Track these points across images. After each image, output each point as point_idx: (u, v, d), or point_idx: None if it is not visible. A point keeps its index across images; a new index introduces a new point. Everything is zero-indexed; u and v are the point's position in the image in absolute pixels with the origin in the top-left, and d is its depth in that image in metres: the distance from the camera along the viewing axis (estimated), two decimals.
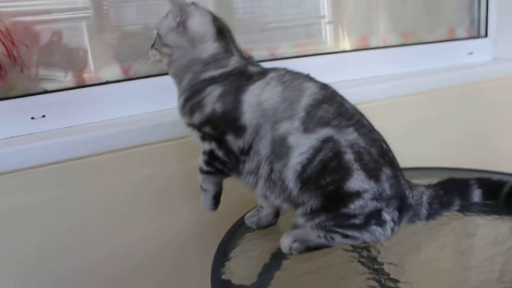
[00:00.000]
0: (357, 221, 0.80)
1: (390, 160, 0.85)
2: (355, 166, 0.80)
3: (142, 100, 1.22)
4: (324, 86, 0.87)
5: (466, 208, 0.95)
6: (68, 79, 1.19)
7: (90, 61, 1.23)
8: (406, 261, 0.80)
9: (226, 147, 0.85)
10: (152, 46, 0.95)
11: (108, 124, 1.14)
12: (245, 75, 0.87)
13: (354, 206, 0.79)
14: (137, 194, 1.12)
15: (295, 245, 0.83)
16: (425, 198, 0.88)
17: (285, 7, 1.48)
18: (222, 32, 0.91)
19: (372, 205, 0.80)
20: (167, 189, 1.15)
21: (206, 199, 0.92)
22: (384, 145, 0.86)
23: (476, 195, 0.96)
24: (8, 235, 1.00)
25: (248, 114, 0.83)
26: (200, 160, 0.90)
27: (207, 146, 0.88)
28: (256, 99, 0.83)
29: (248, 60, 0.91)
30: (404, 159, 1.39)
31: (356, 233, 0.81)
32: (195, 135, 0.90)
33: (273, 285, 0.77)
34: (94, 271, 1.09)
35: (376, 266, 0.78)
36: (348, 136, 0.81)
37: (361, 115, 0.88)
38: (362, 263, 0.79)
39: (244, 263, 0.84)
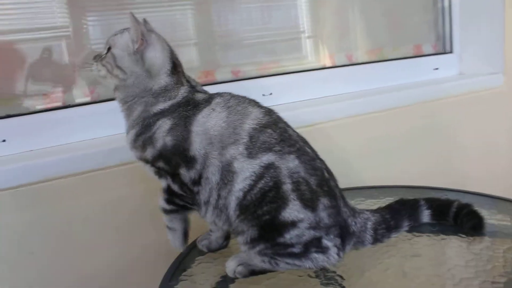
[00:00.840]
0: (295, 250, 0.81)
1: (330, 189, 0.86)
2: (292, 196, 0.80)
3: (105, 123, 1.23)
4: (269, 112, 0.88)
5: (416, 228, 0.97)
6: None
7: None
8: (348, 285, 0.81)
9: (180, 180, 0.86)
10: (98, 59, 0.91)
11: (70, 148, 1.15)
12: (192, 103, 0.87)
13: (290, 236, 0.80)
14: (101, 216, 1.13)
15: (240, 268, 0.84)
16: (369, 225, 0.90)
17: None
18: (175, 66, 0.91)
19: (310, 234, 0.81)
20: (131, 211, 1.15)
21: (175, 238, 0.93)
22: (326, 173, 0.87)
23: (426, 215, 0.98)
24: None
25: (197, 144, 0.84)
26: (160, 201, 0.91)
27: (163, 182, 0.89)
28: (203, 127, 0.84)
29: (195, 88, 0.92)
30: (368, 177, 1.43)
31: (296, 261, 0.82)
32: (148, 170, 0.90)
33: None
34: None
35: None
36: (290, 164, 0.82)
37: (304, 142, 0.89)
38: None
39: (190, 287, 0.85)
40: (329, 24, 1.64)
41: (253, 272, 0.84)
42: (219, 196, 0.84)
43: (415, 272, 0.83)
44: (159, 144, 0.85)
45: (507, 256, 0.85)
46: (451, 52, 1.81)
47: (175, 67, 0.91)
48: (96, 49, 1.27)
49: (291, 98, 1.47)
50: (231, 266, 0.85)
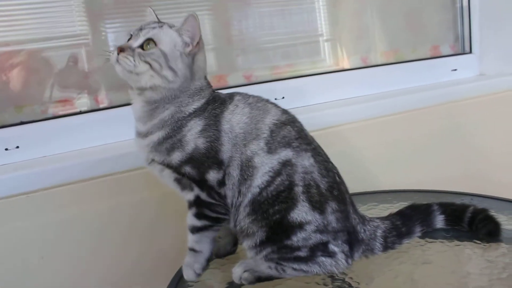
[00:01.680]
0: (301, 253, 0.80)
1: (341, 194, 0.85)
2: (302, 197, 0.80)
3: (115, 129, 1.23)
4: (286, 111, 0.88)
5: (429, 234, 0.94)
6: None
7: None
8: None
9: (207, 186, 0.82)
10: (132, 52, 0.82)
11: (82, 153, 1.17)
12: (218, 100, 0.86)
13: (297, 238, 0.79)
14: (109, 222, 1.13)
15: (246, 275, 0.83)
16: (379, 232, 0.88)
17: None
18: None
19: (316, 237, 0.80)
20: (138, 217, 1.15)
21: (197, 262, 0.85)
22: (337, 177, 0.86)
23: (439, 220, 0.95)
24: None
25: (226, 144, 0.82)
26: (189, 218, 0.85)
27: (189, 195, 0.84)
28: (229, 124, 0.83)
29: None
30: (385, 182, 1.40)
31: (303, 266, 0.81)
32: (166, 176, 0.85)
33: None
34: None
35: None
36: (305, 162, 0.82)
37: (318, 144, 0.88)
38: None
39: None
40: (347, 26, 1.62)
41: (260, 279, 0.83)
42: (239, 193, 0.82)
43: (425, 280, 0.80)
44: (189, 147, 0.81)
45: None
46: (470, 52, 1.76)
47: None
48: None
49: (304, 102, 1.45)
50: (237, 272, 0.83)
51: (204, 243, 0.85)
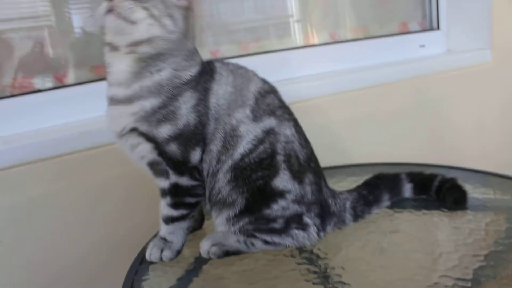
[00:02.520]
0: (276, 225, 0.79)
1: (316, 166, 0.84)
2: (283, 165, 0.79)
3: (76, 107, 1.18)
4: (264, 79, 0.86)
5: (398, 204, 0.95)
6: None
7: None
8: (324, 263, 0.78)
9: (189, 168, 0.78)
10: None
11: (44, 132, 1.12)
12: (207, 70, 0.80)
13: (277, 207, 0.78)
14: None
15: (214, 249, 0.81)
16: (348, 204, 0.88)
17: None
18: None
19: (293, 208, 0.79)
20: (110, 194, 1.11)
21: (169, 253, 0.81)
22: (312, 150, 0.86)
23: (407, 189, 0.96)
24: None
25: (211, 119, 0.78)
26: (164, 208, 0.80)
27: (164, 183, 0.79)
28: (216, 97, 0.79)
29: None
30: (355, 155, 1.40)
31: (276, 238, 0.80)
32: (141, 153, 0.77)
33: None
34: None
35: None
36: (287, 131, 0.81)
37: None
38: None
39: (164, 269, 0.82)
40: (316, 2, 1.60)
41: (227, 253, 0.81)
42: (217, 161, 0.79)
43: (393, 248, 0.80)
44: (182, 122, 0.75)
45: (489, 229, 0.82)
46: (438, 29, 1.77)
47: None
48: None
49: (275, 77, 1.43)
50: (205, 246, 0.81)
51: (177, 235, 0.81)
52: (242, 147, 0.78)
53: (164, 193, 0.80)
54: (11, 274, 1.03)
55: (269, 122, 0.80)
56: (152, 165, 0.79)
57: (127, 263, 0.84)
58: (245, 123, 0.78)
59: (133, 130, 0.76)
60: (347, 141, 1.44)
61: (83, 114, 1.17)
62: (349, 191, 0.93)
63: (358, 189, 0.93)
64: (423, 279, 0.69)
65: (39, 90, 1.18)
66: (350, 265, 0.75)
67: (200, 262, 0.82)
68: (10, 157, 1.02)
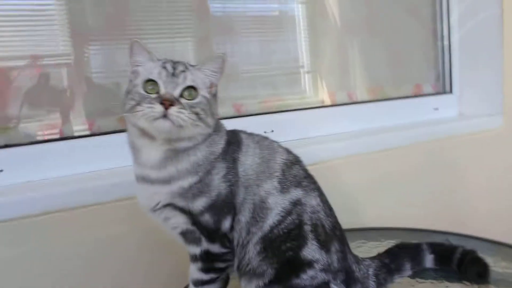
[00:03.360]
0: None
1: (340, 234, 0.86)
2: (310, 236, 0.80)
3: (106, 155, 1.20)
4: (289, 149, 0.88)
5: (419, 273, 0.95)
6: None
7: None
8: None
9: (220, 236, 0.80)
10: (180, 104, 0.73)
11: (69, 180, 1.13)
12: (234, 141, 0.82)
13: (306, 276, 0.78)
14: (98, 252, 1.09)
15: None
16: (371, 271, 0.88)
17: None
18: None
19: (321, 277, 0.79)
20: (130, 247, 1.12)
21: None
22: (336, 218, 0.87)
23: (429, 260, 0.96)
24: None
25: (241, 187, 0.80)
26: (194, 272, 0.81)
27: (195, 249, 0.81)
28: (244, 167, 0.81)
29: None
30: (368, 217, 1.41)
31: None
32: (173, 225, 0.80)
33: None
34: None
35: None
36: (313, 201, 0.82)
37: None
38: None
39: None
40: (330, 61, 1.65)
41: None
42: (248, 232, 0.80)
43: None
44: (214, 192, 0.77)
45: None
46: (450, 92, 1.82)
47: None
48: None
49: (293, 136, 1.46)
50: None
51: None
52: (271, 219, 0.79)
53: (195, 258, 0.82)
54: None
55: (296, 193, 0.81)
56: (185, 234, 0.82)
57: None
58: (274, 194, 0.80)
59: (168, 205, 0.78)
60: (358, 204, 1.45)
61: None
62: (371, 258, 0.93)
63: (380, 256, 0.94)
64: None
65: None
66: None
67: None
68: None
